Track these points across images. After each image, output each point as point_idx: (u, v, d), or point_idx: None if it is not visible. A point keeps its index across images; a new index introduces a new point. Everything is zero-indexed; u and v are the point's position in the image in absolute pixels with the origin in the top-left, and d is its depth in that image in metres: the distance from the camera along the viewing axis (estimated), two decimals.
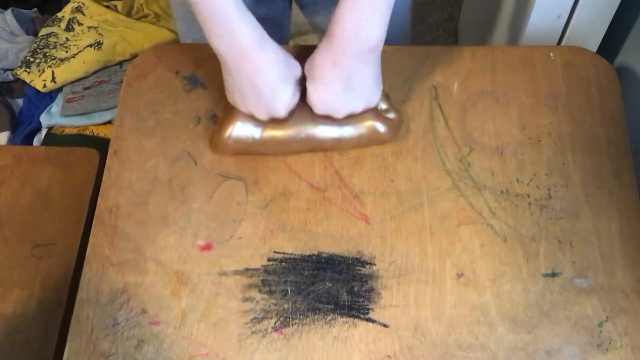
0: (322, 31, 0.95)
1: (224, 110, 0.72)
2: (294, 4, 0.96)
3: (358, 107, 0.67)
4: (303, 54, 0.76)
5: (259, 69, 0.63)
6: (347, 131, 0.69)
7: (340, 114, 0.67)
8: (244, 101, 0.66)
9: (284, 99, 0.65)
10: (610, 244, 0.67)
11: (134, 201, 0.70)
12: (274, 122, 0.68)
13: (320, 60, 0.64)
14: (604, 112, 0.74)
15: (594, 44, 0.90)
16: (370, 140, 0.70)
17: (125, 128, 0.74)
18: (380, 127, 0.69)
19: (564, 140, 0.72)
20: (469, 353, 0.62)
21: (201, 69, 0.77)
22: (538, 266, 0.66)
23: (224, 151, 0.71)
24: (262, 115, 0.67)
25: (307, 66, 0.66)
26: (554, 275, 0.65)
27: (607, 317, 0.63)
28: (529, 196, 0.69)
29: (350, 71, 0.63)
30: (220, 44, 0.62)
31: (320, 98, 0.66)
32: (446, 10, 1.67)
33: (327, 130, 0.69)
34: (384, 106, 0.71)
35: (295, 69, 0.66)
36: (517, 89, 0.75)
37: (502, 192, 0.69)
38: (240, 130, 0.69)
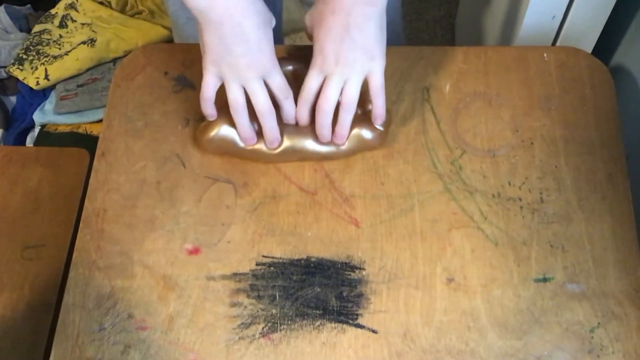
0: None
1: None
2: None
3: (357, 59, 0.63)
4: (298, 55, 0.76)
5: (243, 15, 0.61)
6: (334, 147, 0.69)
7: (339, 62, 0.63)
8: (228, 58, 0.63)
9: (269, 46, 0.64)
10: (602, 248, 0.66)
11: (121, 204, 0.69)
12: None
13: (322, 6, 0.63)
14: (598, 114, 0.73)
15: (588, 45, 0.89)
16: (360, 149, 0.70)
17: (113, 129, 0.73)
18: (367, 134, 0.68)
19: (557, 143, 0.71)
20: (458, 359, 0.61)
21: (190, 69, 0.76)
22: (529, 271, 0.65)
23: (206, 149, 0.71)
24: (248, 73, 0.63)
25: (307, 17, 0.65)
26: (545, 280, 0.64)
27: (598, 323, 0.62)
28: (520, 200, 0.68)
29: (349, 21, 0.61)
30: (201, 1, 0.60)
31: (321, 43, 0.63)
32: (443, 7, 1.66)
33: (315, 144, 0.69)
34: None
35: (271, 15, 0.65)
36: (510, 91, 0.74)
37: (493, 195, 0.69)
38: (225, 134, 0.68)
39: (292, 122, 0.69)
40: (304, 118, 0.68)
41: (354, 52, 0.63)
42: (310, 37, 0.67)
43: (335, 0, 0.61)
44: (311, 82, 0.66)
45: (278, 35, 0.99)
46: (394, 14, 0.91)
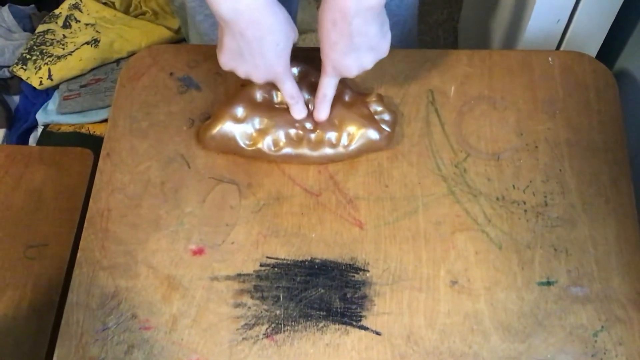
0: None
1: (217, 107, 0.72)
2: None
3: (368, 63, 0.65)
4: (304, 56, 0.76)
5: (267, 30, 0.61)
6: (343, 149, 0.69)
7: (352, 72, 0.65)
8: (243, 64, 0.64)
9: (285, 59, 0.65)
10: (606, 252, 0.66)
11: (125, 204, 0.69)
12: (265, 133, 0.68)
13: (322, 19, 0.61)
14: (602, 118, 0.73)
15: (593, 49, 0.89)
16: (367, 150, 0.70)
17: (118, 129, 0.73)
18: (374, 135, 0.68)
19: (561, 147, 0.71)
20: None
21: (196, 70, 0.76)
22: (533, 274, 0.65)
23: (209, 147, 0.71)
24: (260, 78, 0.65)
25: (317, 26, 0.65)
26: (549, 283, 0.65)
27: (602, 327, 0.63)
28: (525, 203, 0.68)
29: (350, 31, 0.60)
30: (224, 2, 0.58)
31: (329, 59, 0.64)
32: (446, 10, 1.66)
33: (319, 151, 0.69)
34: (378, 108, 0.70)
35: (294, 30, 0.65)
36: (515, 94, 0.74)
37: (497, 198, 0.69)
38: (227, 130, 0.69)
39: (299, 123, 0.70)
40: (324, 119, 0.69)
41: (363, 59, 0.64)
42: None
43: (334, 10, 0.59)
44: (328, 90, 0.67)
45: (296, 7, 0.99)
46: (411, 21, 0.91)
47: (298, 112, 0.69)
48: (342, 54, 0.63)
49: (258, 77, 0.65)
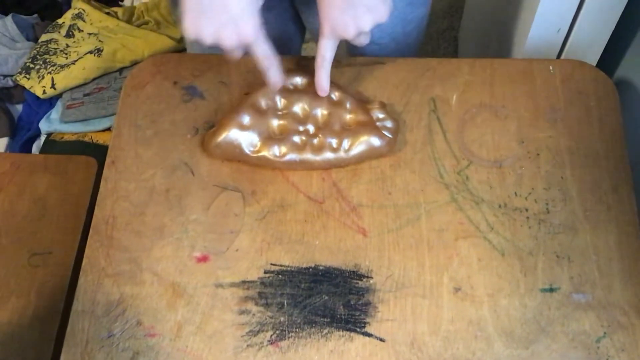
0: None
1: (222, 115, 0.73)
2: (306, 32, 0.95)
3: (366, 24, 0.63)
4: (306, 65, 0.76)
5: None
6: (344, 153, 0.70)
7: (349, 32, 0.64)
8: (207, 23, 0.60)
9: (252, 17, 0.61)
10: (608, 259, 0.66)
11: (130, 211, 0.70)
12: (270, 140, 0.68)
13: None
14: (602, 126, 0.74)
15: (593, 58, 0.90)
16: (369, 156, 0.70)
17: (123, 138, 0.74)
18: (376, 141, 0.69)
19: (562, 155, 0.72)
20: None
21: (199, 79, 0.77)
22: (536, 281, 0.65)
23: (213, 154, 0.71)
24: (230, 39, 0.61)
25: None
26: (551, 290, 0.65)
27: (604, 333, 0.63)
28: (527, 210, 0.69)
29: None
30: None
31: (327, 19, 0.64)
32: (446, 20, 1.67)
33: (322, 156, 0.70)
34: (380, 115, 0.71)
35: None
36: (516, 102, 0.75)
37: (500, 205, 0.69)
38: (233, 138, 0.69)
39: (303, 127, 0.70)
40: (325, 87, 0.69)
41: (360, 17, 0.63)
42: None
43: None
44: (326, 52, 0.67)
45: (299, 47, 1.01)
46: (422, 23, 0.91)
47: (273, 75, 0.67)
48: (339, 11, 0.62)
49: (227, 39, 0.61)
